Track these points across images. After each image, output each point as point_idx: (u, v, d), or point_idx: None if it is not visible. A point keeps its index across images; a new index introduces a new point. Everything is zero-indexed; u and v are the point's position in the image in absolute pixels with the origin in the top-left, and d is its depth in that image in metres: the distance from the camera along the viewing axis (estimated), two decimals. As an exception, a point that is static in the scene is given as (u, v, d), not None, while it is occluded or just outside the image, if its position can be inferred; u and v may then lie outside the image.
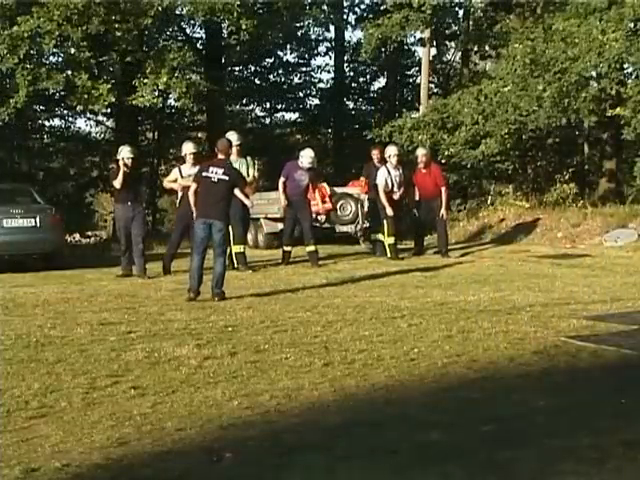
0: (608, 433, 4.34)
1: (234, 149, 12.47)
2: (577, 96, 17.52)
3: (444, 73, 30.13)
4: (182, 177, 12.46)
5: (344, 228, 17.73)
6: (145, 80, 20.47)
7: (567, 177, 20.55)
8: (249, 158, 13.04)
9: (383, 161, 14.54)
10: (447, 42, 28.34)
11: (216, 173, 9.63)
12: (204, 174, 9.78)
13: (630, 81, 18.29)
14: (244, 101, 30.92)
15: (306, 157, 13.45)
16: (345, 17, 28.65)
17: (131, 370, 5.94)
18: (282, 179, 13.53)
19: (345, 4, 28.44)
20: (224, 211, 9.68)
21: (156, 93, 21.23)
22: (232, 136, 12.62)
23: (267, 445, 4.29)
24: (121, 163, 12.37)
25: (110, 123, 28.67)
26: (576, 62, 17.40)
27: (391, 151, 14.34)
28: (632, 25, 17.49)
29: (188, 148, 12.85)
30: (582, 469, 3.83)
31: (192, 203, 9.92)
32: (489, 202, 20.26)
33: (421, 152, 15.15)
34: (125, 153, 12.48)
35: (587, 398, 5.08)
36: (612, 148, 22.23)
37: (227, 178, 9.60)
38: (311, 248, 13.19)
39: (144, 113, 25.22)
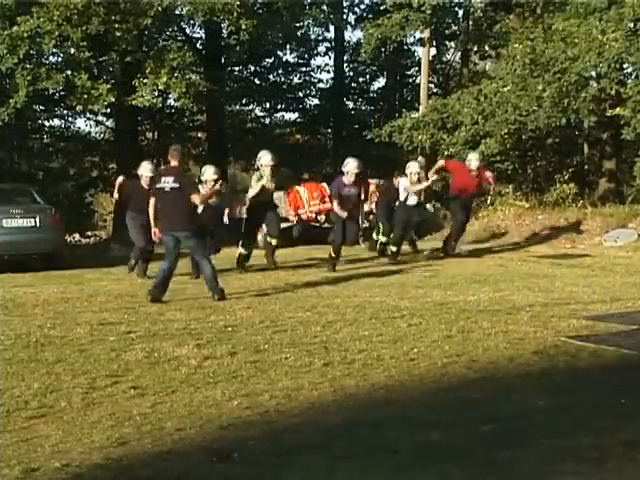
0: (608, 433, 4.34)
1: (268, 169, 12.38)
2: (577, 96, 17.52)
3: (444, 73, 30.10)
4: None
5: (344, 228, 17.68)
6: (145, 80, 20.44)
7: (567, 177, 20.56)
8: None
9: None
10: (447, 42, 28.32)
11: (167, 182, 9.49)
12: (158, 186, 9.65)
13: (630, 81, 18.29)
14: (244, 101, 30.85)
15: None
16: (345, 17, 28.61)
17: (131, 370, 5.94)
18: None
19: (345, 4, 28.41)
20: (187, 220, 9.44)
21: (156, 93, 21.20)
22: (266, 156, 12.50)
23: (267, 445, 4.29)
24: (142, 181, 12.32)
25: (110, 123, 28.62)
26: (576, 62, 17.40)
27: (412, 168, 14.10)
28: (632, 25, 17.49)
29: (209, 174, 12.00)
30: (582, 469, 3.83)
31: (151, 217, 9.75)
32: (489, 202, 20.26)
33: (475, 164, 14.31)
34: (143, 170, 12.40)
35: (587, 398, 5.08)
36: (612, 148, 22.21)
37: (178, 185, 9.39)
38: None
39: (144, 113, 25.18)
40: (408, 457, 4.07)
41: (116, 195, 13.32)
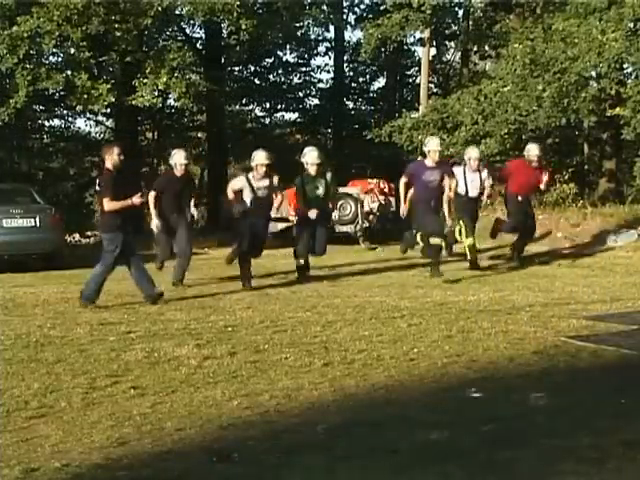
0: (608, 433, 4.34)
1: (313, 168, 11.10)
2: (577, 96, 17.52)
3: (444, 73, 30.14)
4: (251, 188, 10.64)
5: (344, 228, 17.74)
6: (145, 80, 20.46)
7: (567, 177, 20.55)
8: (329, 175, 11.48)
9: None
10: (447, 42, 28.38)
11: (97, 185, 9.52)
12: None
13: (630, 81, 18.30)
14: (244, 101, 30.88)
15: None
16: (345, 17, 28.65)
17: (131, 370, 5.94)
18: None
19: (345, 4, 28.46)
20: (102, 222, 9.48)
21: (156, 93, 21.22)
22: (312, 153, 11.35)
23: (267, 445, 4.29)
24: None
25: (110, 123, 28.65)
26: (576, 62, 17.40)
27: (473, 154, 12.79)
28: (632, 25, 17.51)
29: (260, 159, 10.71)
30: (582, 469, 3.82)
31: None
32: (489, 202, 20.24)
33: (535, 152, 13.10)
34: (178, 158, 11.25)
35: (587, 398, 5.08)
36: (612, 148, 22.22)
37: (99, 189, 9.31)
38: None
39: (144, 113, 25.21)
40: (408, 457, 4.06)
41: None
